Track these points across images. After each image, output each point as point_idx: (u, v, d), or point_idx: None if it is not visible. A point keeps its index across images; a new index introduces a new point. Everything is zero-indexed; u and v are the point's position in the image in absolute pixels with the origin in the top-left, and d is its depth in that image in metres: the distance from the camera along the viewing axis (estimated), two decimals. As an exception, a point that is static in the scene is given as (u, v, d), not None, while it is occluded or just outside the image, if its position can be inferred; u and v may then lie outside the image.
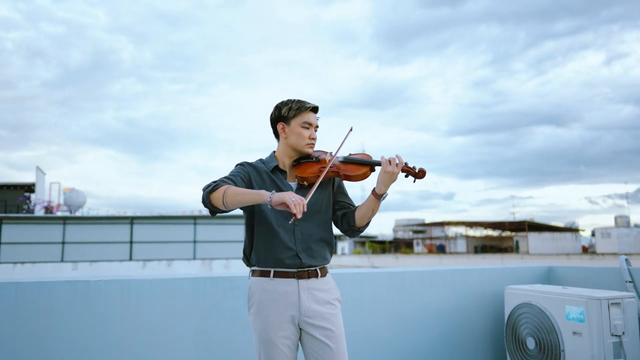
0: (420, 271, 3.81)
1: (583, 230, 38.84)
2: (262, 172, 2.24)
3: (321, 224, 2.25)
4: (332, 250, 2.35)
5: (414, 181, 2.19)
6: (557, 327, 3.18)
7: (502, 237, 44.87)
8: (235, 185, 2.10)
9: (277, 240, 2.13)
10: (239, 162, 2.29)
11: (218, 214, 2.14)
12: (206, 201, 2.03)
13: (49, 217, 18.71)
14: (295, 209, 1.81)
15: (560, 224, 40.78)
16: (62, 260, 17.30)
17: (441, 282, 3.84)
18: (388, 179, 2.11)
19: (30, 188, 28.02)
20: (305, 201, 1.91)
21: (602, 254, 23.37)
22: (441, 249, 41.75)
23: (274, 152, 2.33)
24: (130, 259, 17.77)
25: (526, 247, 33.89)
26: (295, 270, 2.12)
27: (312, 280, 2.14)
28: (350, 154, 2.28)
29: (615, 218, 34.98)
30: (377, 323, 3.57)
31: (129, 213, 18.94)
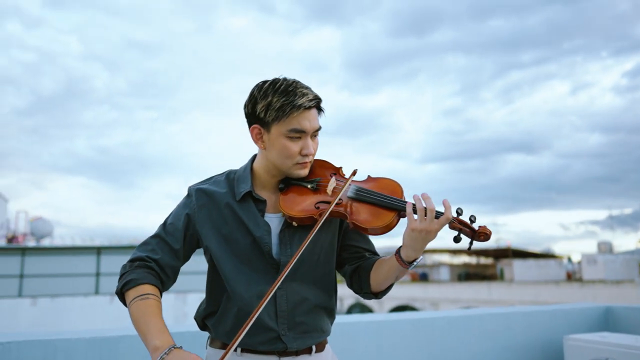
0: (451, 317, 2.96)
1: (567, 257, 38.58)
2: (222, 205, 1.42)
3: (317, 281, 1.45)
4: (334, 319, 1.52)
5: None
6: (654, 397, 2.34)
7: (484, 265, 44.38)
8: (164, 249, 1.39)
9: (244, 314, 1.34)
10: (192, 184, 1.52)
11: None
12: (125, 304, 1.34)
13: (4, 248, 17.16)
14: None
15: (537, 250, 40.54)
16: (19, 295, 15.78)
17: (478, 329, 3.00)
18: (421, 240, 1.26)
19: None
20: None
21: (592, 281, 22.83)
22: (424, 277, 41.02)
23: (252, 160, 1.51)
24: (97, 292, 16.32)
25: (511, 274, 33.38)
26: (276, 352, 1.38)
27: (303, 358, 1.40)
28: (369, 177, 1.46)
29: (599, 244, 34.76)
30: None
31: (97, 242, 17.56)
